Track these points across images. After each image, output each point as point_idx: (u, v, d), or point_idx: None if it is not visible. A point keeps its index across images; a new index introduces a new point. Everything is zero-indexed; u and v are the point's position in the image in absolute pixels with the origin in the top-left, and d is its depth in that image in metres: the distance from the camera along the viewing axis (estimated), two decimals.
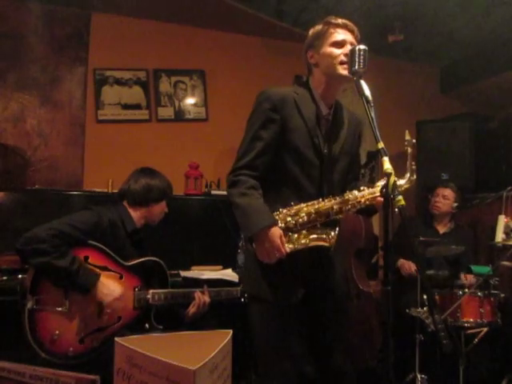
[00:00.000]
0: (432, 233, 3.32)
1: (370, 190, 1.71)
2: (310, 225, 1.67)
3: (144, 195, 2.24)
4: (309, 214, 1.65)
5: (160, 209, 2.31)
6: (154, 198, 2.26)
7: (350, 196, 1.69)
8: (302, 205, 1.67)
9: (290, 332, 1.71)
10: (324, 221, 1.68)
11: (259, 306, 1.74)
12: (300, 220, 1.65)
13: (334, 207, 1.67)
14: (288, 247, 1.62)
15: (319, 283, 1.78)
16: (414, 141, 1.68)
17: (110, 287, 2.02)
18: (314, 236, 1.66)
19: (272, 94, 1.72)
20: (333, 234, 1.65)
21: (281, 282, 1.69)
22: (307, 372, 1.79)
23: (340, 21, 1.75)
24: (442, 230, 3.40)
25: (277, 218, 1.65)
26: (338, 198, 1.69)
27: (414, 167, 1.67)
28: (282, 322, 1.70)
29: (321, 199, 1.69)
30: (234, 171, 1.72)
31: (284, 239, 1.62)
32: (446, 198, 3.35)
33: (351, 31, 1.75)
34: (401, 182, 1.66)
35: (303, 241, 1.65)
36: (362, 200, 1.69)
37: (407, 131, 1.69)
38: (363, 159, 3.99)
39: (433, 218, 3.45)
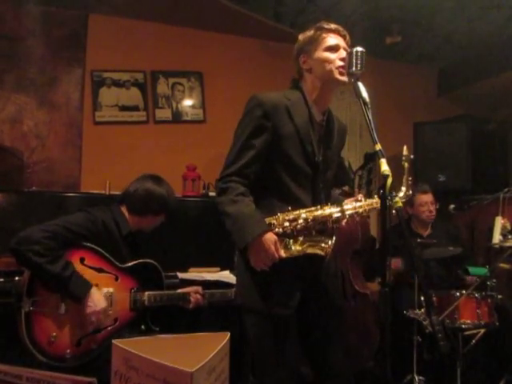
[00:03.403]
0: (416, 237, 3.26)
1: (368, 200, 1.72)
2: (307, 231, 1.63)
3: (144, 204, 2.20)
4: (306, 220, 1.61)
5: (154, 222, 2.27)
6: (153, 209, 2.22)
7: (349, 206, 1.69)
8: (301, 210, 1.63)
9: (286, 341, 1.67)
10: (320, 228, 1.65)
11: (254, 317, 1.68)
12: (298, 226, 1.61)
13: (333, 216, 1.65)
14: (283, 252, 1.58)
15: (313, 284, 1.76)
16: (412, 156, 1.69)
17: (95, 301, 1.96)
18: (311, 243, 1.62)
19: (264, 100, 1.65)
20: (330, 242, 1.61)
21: (275, 292, 1.64)
22: (304, 375, 1.79)
23: (332, 26, 1.74)
24: (425, 232, 3.39)
25: (274, 222, 1.62)
26: (336, 207, 1.67)
27: (410, 182, 1.67)
28: (277, 333, 1.65)
29: (319, 206, 1.65)
30: (222, 178, 1.66)
31: (278, 245, 1.58)
32: (433, 204, 3.33)
33: (343, 36, 1.74)
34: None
35: (299, 247, 1.60)
36: (360, 210, 1.69)
37: (405, 147, 1.69)
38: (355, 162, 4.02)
39: (414, 224, 3.42)
